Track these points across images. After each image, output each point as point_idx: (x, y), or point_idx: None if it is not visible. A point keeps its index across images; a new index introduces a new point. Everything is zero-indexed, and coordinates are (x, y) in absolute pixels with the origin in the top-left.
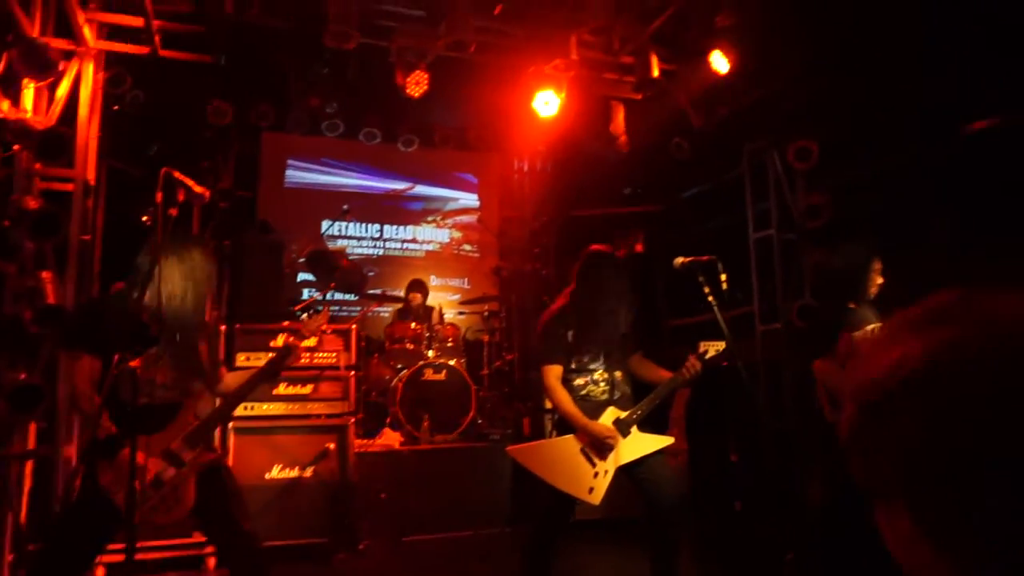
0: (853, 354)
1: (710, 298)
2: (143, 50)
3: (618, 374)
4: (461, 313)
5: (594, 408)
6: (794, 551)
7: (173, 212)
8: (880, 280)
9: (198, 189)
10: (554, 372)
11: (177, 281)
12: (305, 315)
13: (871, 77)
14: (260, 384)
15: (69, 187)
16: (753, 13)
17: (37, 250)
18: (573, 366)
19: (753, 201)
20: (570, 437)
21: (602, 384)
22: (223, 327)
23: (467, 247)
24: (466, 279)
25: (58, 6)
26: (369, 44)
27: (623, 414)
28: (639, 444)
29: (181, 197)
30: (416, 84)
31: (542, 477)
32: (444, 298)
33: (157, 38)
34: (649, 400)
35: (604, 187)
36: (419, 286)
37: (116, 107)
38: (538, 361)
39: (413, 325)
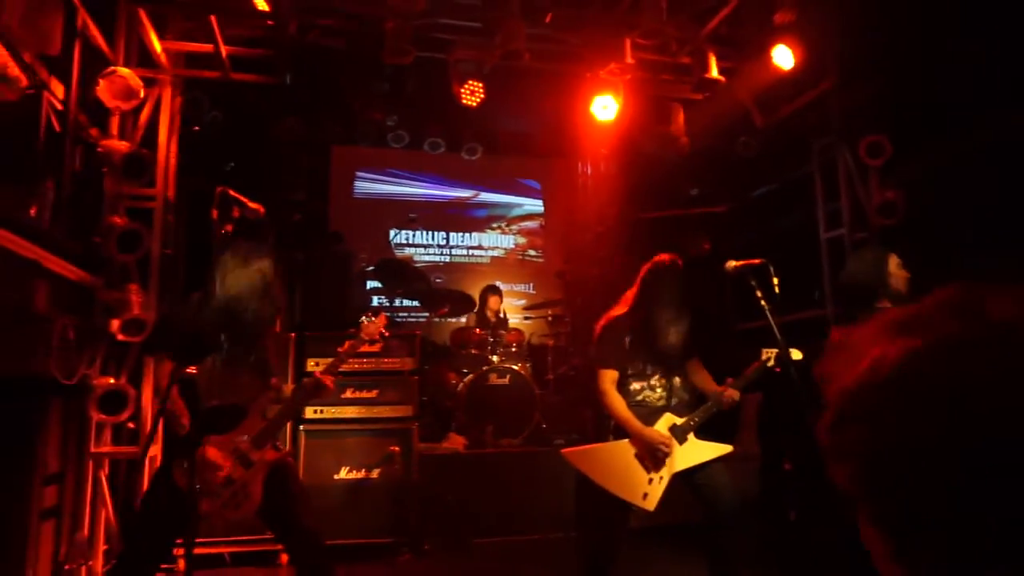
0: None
1: (762, 302)
2: (215, 74)
3: (676, 380)
4: (527, 318)
5: (649, 413)
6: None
7: (228, 228)
8: (905, 275)
9: (252, 205)
10: (609, 376)
11: (244, 289)
12: (364, 319)
13: (938, 68)
14: (301, 406)
15: (152, 204)
16: (812, 8)
17: (123, 264)
18: (630, 372)
19: (824, 200)
20: (625, 442)
21: (659, 390)
22: (292, 335)
23: (532, 252)
24: (531, 284)
25: (138, 37)
26: (427, 57)
27: (679, 420)
28: (696, 451)
29: (236, 214)
30: (471, 94)
31: (596, 481)
32: (510, 303)
33: (227, 63)
34: (706, 408)
35: (670, 188)
36: (495, 291)
37: (196, 127)
38: (594, 365)
39: (478, 331)
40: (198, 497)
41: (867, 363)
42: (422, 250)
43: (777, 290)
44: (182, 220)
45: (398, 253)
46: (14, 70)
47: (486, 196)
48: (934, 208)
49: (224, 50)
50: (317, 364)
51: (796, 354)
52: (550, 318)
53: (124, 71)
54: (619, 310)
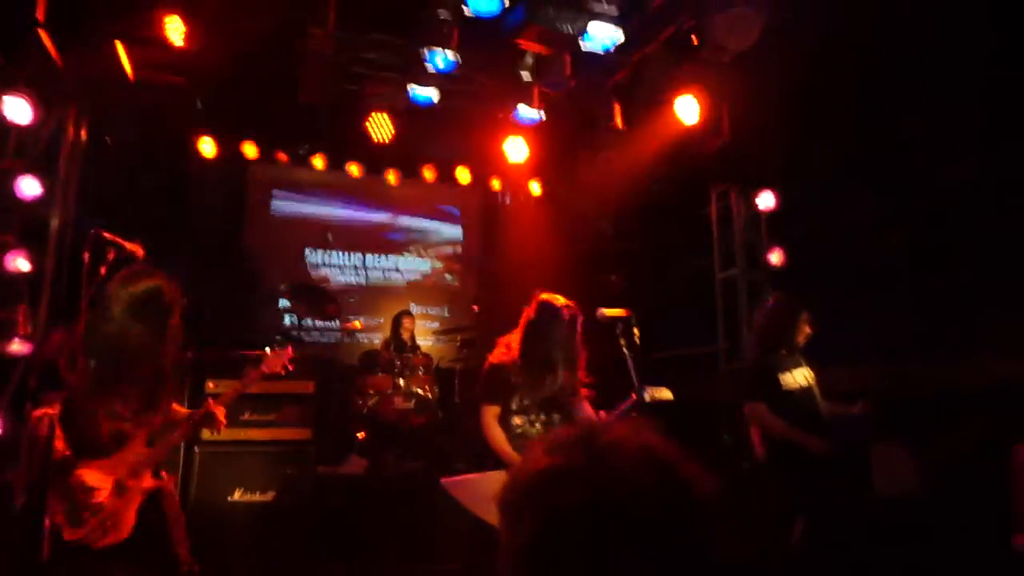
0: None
1: (625, 350)
2: (121, 97)
3: (556, 416)
4: (440, 341)
5: (527, 447)
6: None
7: (103, 271)
8: (808, 330)
9: (130, 247)
10: (491, 411)
11: (134, 317)
12: (268, 349)
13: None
14: (188, 436)
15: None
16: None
17: (12, 283)
18: (514, 407)
19: (720, 242)
20: (503, 472)
21: (538, 425)
22: (189, 354)
23: (448, 277)
24: (446, 308)
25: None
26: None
27: None
28: None
29: (111, 255)
30: (379, 127)
31: (471, 511)
32: (424, 326)
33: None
34: None
35: (587, 224)
36: (408, 314)
37: (108, 138)
38: (478, 400)
39: (386, 353)
40: (64, 525)
41: (528, 470)
42: (338, 271)
43: (637, 340)
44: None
45: (313, 273)
46: None
47: (405, 220)
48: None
49: (132, 73)
50: (216, 385)
51: (665, 393)
52: (459, 342)
53: (23, 92)
54: (504, 349)
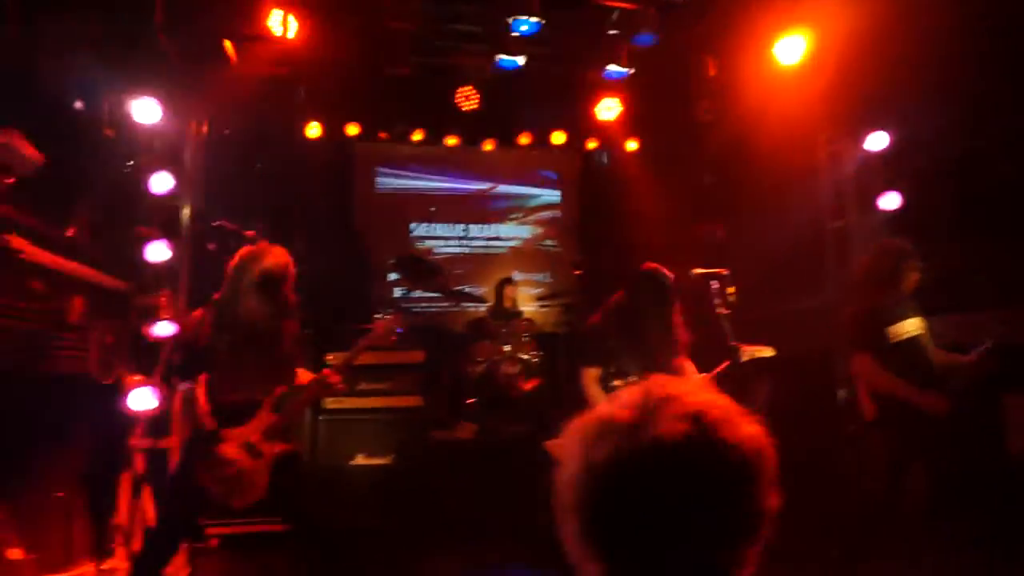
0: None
1: (720, 309)
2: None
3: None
4: (543, 307)
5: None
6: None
7: (225, 258)
8: (916, 276)
9: (247, 234)
10: (590, 374)
11: (253, 295)
12: (377, 317)
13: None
14: (312, 402)
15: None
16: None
17: (154, 271)
18: (612, 370)
19: (830, 189)
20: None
21: None
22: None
23: (549, 242)
24: (547, 273)
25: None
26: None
27: None
28: None
29: (235, 245)
30: (466, 100)
31: None
32: (527, 292)
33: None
34: None
35: (685, 177)
36: (510, 282)
37: (226, 131)
38: (577, 363)
39: (492, 321)
40: (212, 486)
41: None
42: (442, 242)
43: (733, 299)
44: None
45: (419, 246)
46: None
47: (504, 188)
48: (935, 201)
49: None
50: (333, 357)
51: (766, 351)
52: (562, 307)
53: (149, 94)
54: (604, 310)
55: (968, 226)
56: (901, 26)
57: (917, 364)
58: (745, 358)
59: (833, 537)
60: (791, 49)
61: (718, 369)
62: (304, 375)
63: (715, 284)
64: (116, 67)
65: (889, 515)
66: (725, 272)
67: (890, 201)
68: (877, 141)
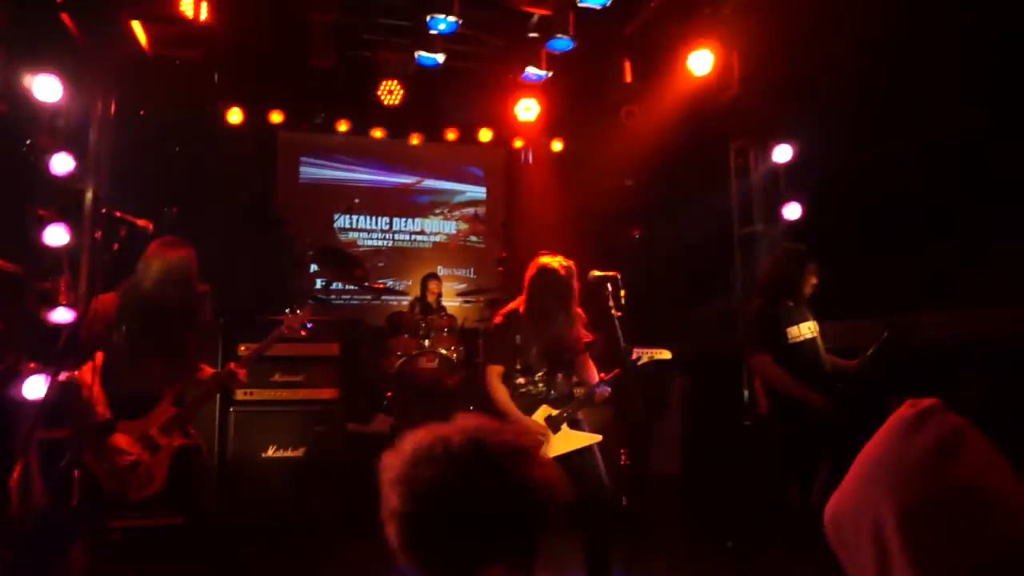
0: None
1: (613, 311)
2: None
3: (559, 376)
4: (466, 302)
5: (529, 405)
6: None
7: (115, 247)
8: (814, 281)
9: (141, 223)
10: (495, 371)
11: (159, 283)
12: (288, 311)
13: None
14: (213, 395)
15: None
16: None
17: (54, 256)
18: (518, 366)
19: (739, 197)
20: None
21: (540, 384)
22: (221, 319)
23: (473, 238)
24: (471, 269)
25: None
26: (355, 55)
27: (554, 412)
28: (569, 440)
29: (123, 232)
30: (389, 93)
31: None
32: (451, 287)
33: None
34: (577, 402)
35: (606, 179)
36: (434, 277)
37: (142, 112)
38: (484, 361)
39: (412, 316)
40: (105, 480)
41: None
42: (365, 235)
43: (623, 301)
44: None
45: (342, 237)
46: None
47: (430, 183)
48: (832, 211)
49: (151, 50)
50: (246, 348)
51: (664, 354)
52: (484, 303)
53: (51, 71)
54: (509, 308)
55: (862, 235)
56: (805, 44)
57: (811, 365)
58: (643, 360)
59: (731, 527)
60: (702, 61)
61: (612, 374)
62: (207, 370)
63: (609, 287)
64: (14, 42)
65: (779, 507)
66: (616, 275)
67: (792, 211)
68: (782, 153)
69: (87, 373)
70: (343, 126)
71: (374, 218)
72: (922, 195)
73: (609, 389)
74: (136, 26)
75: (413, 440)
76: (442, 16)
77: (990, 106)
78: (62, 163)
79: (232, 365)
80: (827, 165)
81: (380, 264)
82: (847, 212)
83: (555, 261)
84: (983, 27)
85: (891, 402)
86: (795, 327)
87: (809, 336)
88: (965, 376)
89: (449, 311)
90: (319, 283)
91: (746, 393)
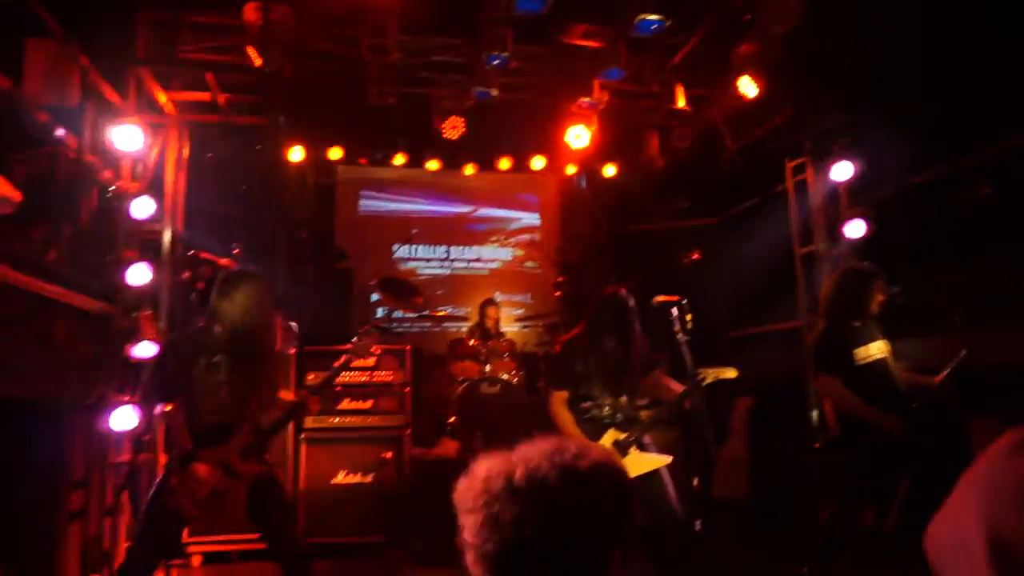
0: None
1: (678, 335)
2: (214, 119)
3: (623, 399)
4: (524, 327)
5: (596, 430)
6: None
7: (200, 286)
8: (881, 298)
9: (223, 262)
10: (559, 397)
11: (237, 316)
12: (355, 338)
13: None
14: (287, 423)
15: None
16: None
17: (136, 293)
18: (582, 391)
19: (798, 216)
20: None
21: (606, 408)
22: (293, 351)
23: (529, 264)
24: (529, 294)
25: (145, 90)
26: (411, 93)
27: (621, 436)
28: (638, 463)
29: (208, 272)
30: (452, 128)
31: None
32: (509, 313)
33: (226, 107)
34: (643, 425)
35: (662, 201)
36: (492, 303)
37: (210, 155)
38: (547, 387)
39: (472, 342)
40: (187, 510)
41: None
42: (424, 263)
43: (690, 324)
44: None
45: (402, 267)
46: None
47: (485, 211)
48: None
49: (221, 97)
50: (315, 377)
51: (729, 372)
52: (542, 327)
53: (131, 120)
54: (571, 334)
55: (931, 251)
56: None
57: (882, 385)
58: (708, 379)
59: (803, 551)
60: (749, 86)
61: (681, 392)
62: (285, 395)
63: (675, 311)
64: (99, 96)
65: (850, 532)
66: (679, 299)
67: (855, 229)
68: (843, 171)
69: (173, 406)
70: (400, 159)
71: (432, 247)
72: (987, 210)
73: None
74: (208, 76)
75: (486, 472)
76: (497, 53)
77: None
78: (143, 207)
79: (304, 392)
80: (890, 181)
81: (439, 292)
82: (912, 228)
83: (617, 290)
84: None
85: (970, 421)
86: (863, 348)
87: (879, 356)
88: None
89: (508, 336)
90: (380, 312)
91: (814, 414)
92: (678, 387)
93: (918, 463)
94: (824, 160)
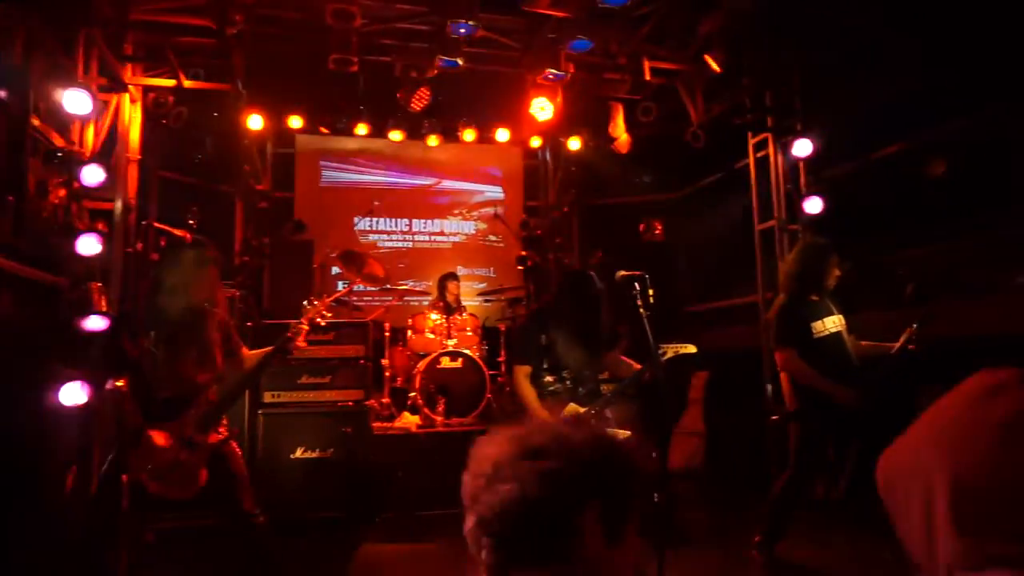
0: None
1: (641, 310)
2: (170, 84)
3: (586, 373)
4: (486, 301)
5: (558, 404)
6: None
7: (154, 256)
8: (837, 274)
9: (179, 233)
10: (522, 371)
11: (186, 288)
12: (305, 302)
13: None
14: (259, 375)
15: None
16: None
17: (86, 264)
18: (545, 365)
19: (759, 193)
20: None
21: (568, 382)
22: (250, 323)
23: (492, 238)
24: (492, 268)
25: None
26: (374, 61)
27: (582, 410)
28: None
29: (163, 243)
30: (418, 100)
31: None
32: (471, 287)
33: (181, 73)
34: (605, 399)
35: (624, 175)
36: (453, 277)
37: (164, 121)
38: (509, 361)
39: (433, 316)
40: (148, 480)
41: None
42: (386, 236)
43: (652, 300)
44: (153, 212)
45: (362, 240)
46: None
47: (448, 184)
48: (849, 205)
49: (177, 62)
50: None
51: (688, 348)
52: (505, 301)
53: (81, 83)
54: (535, 309)
55: (887, 226)
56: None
57: (837, 358)
58: (668, 355)
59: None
60: (715, 61)
61: (638, 368)
62: (249, 354)
63: (636, 286)
64: (48, 58)
65: (802, 499)
66: (645, 274)
67: (814, 205)
68: (802, 147)
69: (124, 380)
70: (362, 128)
71: (394, 220)
72: (945, 187)
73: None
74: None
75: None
76: (463, 21)
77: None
78: (93, 174)
79: (290, 333)
80: (846, 158)
81: (401, 265)
82: (868, 205)
83: (582, 270)
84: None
85: (921, 391)
86: (819, 322)
87: (835, 330)
88: (995, 367)
89: (470, 310)
90: (341, 285)
91: (769, 388)
92: (636, 366)
93: (869, 433)
94: (785, 136)
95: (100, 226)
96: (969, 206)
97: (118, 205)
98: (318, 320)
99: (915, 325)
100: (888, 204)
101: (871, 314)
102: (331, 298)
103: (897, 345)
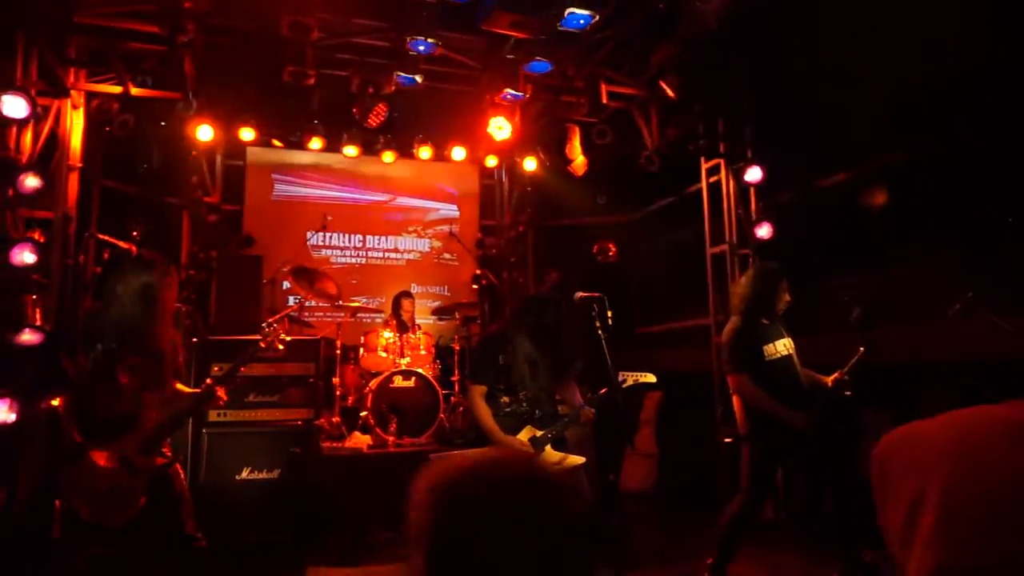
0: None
1: (599, 332)
2: (117, 90)
3: (543, 396)
4: (441, 320)
5: (514, 425)
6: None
7: (97, 270)
8: (787, 298)
9: (124, 245)
10: (478, 390)
11: (132, 303)
12: (264, 326)
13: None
14: (192, 415)
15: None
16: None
17: (22, 275)
18: (502, 386)
19: (710, 217)
20: (490, 449)
21: (525, 404)
22: (195, 339)
23: (447, 256)
24: (446, 287)
25: (39, 53)
26: (331, 75)
27: (539, 432)
28: (551, 461)
29: (106, 255)
30: (375, 116)
31: None
32: (424, 305)
33: (128, 81)
34: (563, 424)
35: (580, 197)
36: (407, 295)
37: (108, 128)
38: (467, 378)
39: (386, 334)
40: (81, 504)
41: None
42: (339, 252)
43: (611, 321)
44: (93, 223)
45: (315, 255)
46: None
47: (403, 200)
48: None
49: (122, 68)
50: (220, 369)
51: (648, 377)
52: (459, 320)
53: (19, 87)
54: (493, 328)
55: (832, 252)
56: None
57: (787, 382)
58: (628, 383)
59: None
60: (669, 86)
61: (600, 392)
62: (184, 388)
63: (595, 308)
64: None
65: (754, 522)
66: (603, 296)
67: (764, 230)
68: (753, 174)
69: (62, 400)
70: (316, 143)
71: (347, 236)
72: (891, 213)
73: (593, 410)
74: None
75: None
76: (422, 39)
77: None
78: (30, 182)
79: (209, 381)
80: (795, 185)
81: (354, 281)
82: (817, 230)
83: (543, 292)
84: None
85: (863, 415)
86: (771, 344)
87: (785, 353)
88: (932, 392)
89: (424, 329)
90: (292, 300)
91: (719, 410)
92: (579, 399)
93: (817, 456)
94: (737, 163)
95: (37, 236)
96: (906, 236)
97: (57, 214)
98: (277, 345)
99: (862, 349)
100: (829, 231)
101: (809, 339)
102: (281, 314)
103: (842, 372)
